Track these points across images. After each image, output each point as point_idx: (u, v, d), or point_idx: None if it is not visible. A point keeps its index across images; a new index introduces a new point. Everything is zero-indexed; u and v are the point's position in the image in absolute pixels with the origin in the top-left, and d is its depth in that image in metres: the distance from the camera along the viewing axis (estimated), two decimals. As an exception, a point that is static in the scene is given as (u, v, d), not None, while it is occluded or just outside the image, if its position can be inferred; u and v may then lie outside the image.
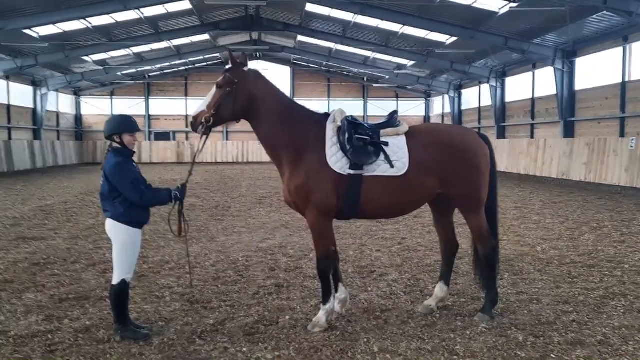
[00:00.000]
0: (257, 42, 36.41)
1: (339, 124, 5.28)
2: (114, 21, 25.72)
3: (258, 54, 41.66)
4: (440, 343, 4.92)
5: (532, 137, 26.13)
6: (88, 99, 43.15)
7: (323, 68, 40.74)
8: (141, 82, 43.13)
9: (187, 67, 42.73)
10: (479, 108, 33.09)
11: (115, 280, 5.01)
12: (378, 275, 7.41)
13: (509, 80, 29.07)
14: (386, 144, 5.26)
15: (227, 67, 5.34)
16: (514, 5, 18.54)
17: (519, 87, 27.81)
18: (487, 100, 31.14)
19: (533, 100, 26.26)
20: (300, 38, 32.40)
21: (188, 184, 5.33)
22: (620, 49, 19.80)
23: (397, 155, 5.23)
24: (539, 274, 7.36)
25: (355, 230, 10.99)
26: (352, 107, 43.25)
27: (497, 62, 27.12)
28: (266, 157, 31.59)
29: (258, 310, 5.87)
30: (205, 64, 42.66)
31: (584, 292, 6.48)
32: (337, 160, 5.16)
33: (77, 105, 42.91)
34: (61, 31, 25.74)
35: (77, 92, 42.27)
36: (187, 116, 44.25)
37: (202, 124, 5.19)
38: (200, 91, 43.91)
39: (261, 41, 36.47)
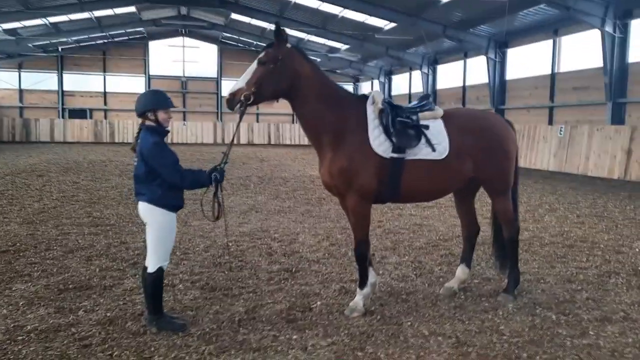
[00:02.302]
0: (185, 18, 35.09)
1: (381, 106, 5.18)
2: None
3: (184, 30, 40.20)
4: (483, 324, 5.02)
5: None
6: (-8, 70, 39.70)
7: (253, 48, 39.98)
8: (54, 55, 40.18)
9: (105, 41, 40.37)
10: (409, 94, 33.95)
11: (151, 268, 4.66)
12: (380, 258, 7.43)
13: (440, 68, 30.02)
14: (427, 127, 5.24)
15: (269, 42, 5.06)
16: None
17: (451, 75, 28.80)
18: (417, 87, 32.00)
19: (464, 88, 27.31)
20: (234, 16, 31.54)
21: (226, 164, 4.98)
22: (551, 41, 20.99)
23: (438, 138, 5.23)
24: (528, 255, 7.67)
25: (328, 214, 10.96)
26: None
27: (429, 49, 27.88)
28: (192, 139, 31.02)
29: (284, 297, 5.70)
30: (126, 38, 40.53)
31: (580, 271, 6.85)
32: (380, 143, 5.07)
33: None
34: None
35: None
36: (105, 93, 42.01)
37: (241, 102, 4.89)
38: (121, 67, 41.82)
39: (189, 17, 35.18)
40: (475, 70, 26.16)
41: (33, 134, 38.72)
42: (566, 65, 20.58)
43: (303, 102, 5.06)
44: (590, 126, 18.06)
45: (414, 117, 5.27)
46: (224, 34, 38.32)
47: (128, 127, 40.19)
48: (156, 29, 37.41)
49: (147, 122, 4.71)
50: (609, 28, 16.88)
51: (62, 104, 41.45)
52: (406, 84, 34.36)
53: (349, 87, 43.87)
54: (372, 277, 5.51)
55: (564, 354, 4.40)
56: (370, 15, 23.95)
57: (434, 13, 22.27)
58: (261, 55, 4.97)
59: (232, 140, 5.14)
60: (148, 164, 4.54)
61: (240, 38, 38.23)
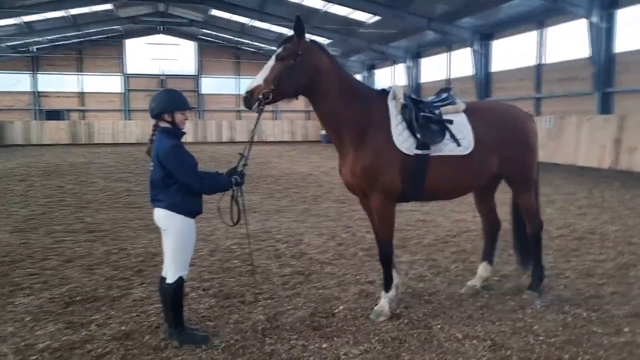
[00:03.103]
0: (163, 14, 34.44)
1: (403, 101, 4.97)
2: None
3: (161, 28, 39.49)
4: (515, 324, 4.86)
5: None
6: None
7: (232, 44, 39.48)
8: (28, 55, 39.11)
9: (81, 40, 39.42)
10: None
11: (171, 278, 4.39)
12: (391, 257, 7.23)
13: (423, 61, 29.95)
14: (451, 121, 5.04)
15: (287, 37, 4.80)
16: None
17: (435, 68, 28.76)
18: (400, 81, 31.90)
19: (449, 80, 27.28)
20: (213, 12, 31.02)
21: (246, 166, 4.71)
22: (536, 32, 21.02)
23: (462, 133, 5.04)
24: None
25: (327, 212, 10.75)
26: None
27: (413, 43, 27.79)
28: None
29: (304, 302, 5.47)
30: (102, 36, 39.62)
31: (597, 264, 6.74)
32: (404, 140, 4.86)
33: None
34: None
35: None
36: (82, 93, 41.09)
37: (260, 100, 4.63)
38: (97, 67, 40.93)
39: (167, 13, 34.55)
40: (460, 63, 26.15)
41: (8, 137, 37.66)
42: (552, 56, 20.64)
43: (323, 98, 4.82)
44: (578, 116, 18.13)
45: (437, 112, 5.08)
46: (203, 30, 37.72)
47: (106, 127, 39.40)
48: (133, 26, 36.68)
49: (162, 124, 4.42)
50: (595, 18, 16.93)
51: (38, 106, 40.41)
52: (389, 78, 34.25)
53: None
54: (395, 278, 5.31)
55: (605, 353, 4.26)
56: (355, 9, 23.75)
57: (419, 6, 22.14)
58: (279, 50, 4.72)
59: (251, 140, 4.87)
60: (166, 168, 4.26)
61: (220, 34, 37.67)
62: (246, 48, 40.50)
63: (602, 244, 7.82)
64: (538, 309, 5.23)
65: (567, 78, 19.22)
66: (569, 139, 18.33)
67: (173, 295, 4.38)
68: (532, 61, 21.26)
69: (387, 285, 5.10)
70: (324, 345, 4.44)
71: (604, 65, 17.33)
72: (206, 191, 4.41)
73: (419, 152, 4.89)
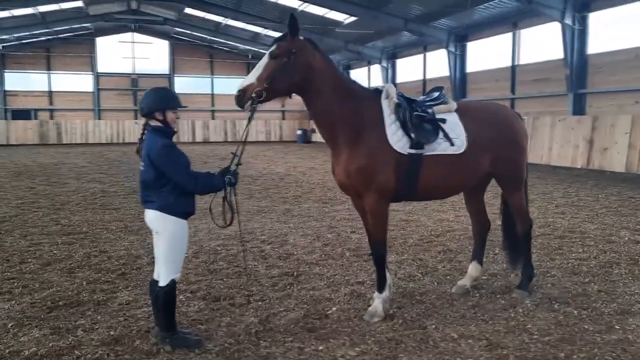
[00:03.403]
0: (135, 12, 33.87)
1: (396, 100, 4.94)
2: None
3: (133, 26, 38.84)
4: (508, 323, 4.87)
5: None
6: None
7: (206, 43, 39.08)
8: (-6, 53, 38.03)
9: (49, 38, 38.47)
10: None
11: (163, 281, 4.27)
12: (378, 257, 7.21)
13: (399, 62, 30.11)
14: (444, 120, 5.03)
15: (281, 35, 4.72)
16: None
17: (411, 69, 28.93)
18: (377, 82, 32.01)
19: (424, 81, 27.49)
20: (187, 10, 30.63)
21: (239, 167, 4.61)
22: (510, 34, 21.32)
23: (455, 132, 5.04)
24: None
25: (309, 212, 10.69)
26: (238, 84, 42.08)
27: (389, 43, 27.92)
28: None
29: (296, 304, 5.39)
30: (72, 34, 38.71)
31: (581, 263, 6.83)
32: (398, 139, 4.83)
33: None
34: None
35: None
36: (50, 92, 40.10)
37: (252, 99, 4.54)
38: (67, 65, 40.00)
39: (140, 11, 33.99)
40: (436, 64, 26.37)
41: (-26, 137, 36.57)
42: (526, 57, 20.96)
43: (317, 97, 4.76)
44: (552, 117, 18.43)
45: (429, 111, 5.06)
46: (176, 29, 37.23)
47: (76, 127, 38.60)
48: (104, 24, 35.94)
49: (153, 123, 4.30)
50: (568, 20, 17.25)
51: (4, 105, 39.28)
52: (365, 78, 34.32)
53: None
54: (388, 278, 5.28)
55: (600, 351, 4.29)
56: (332, 9, 23.73)
57: (395, 7, 22.24)
58: (273, 48, 4.63)
59: (245, 140, 4.77)
60: (158, 168, 4.14)
61: (193, 33, 37.21)
62: (220, 47, 40.11)
63: (584, 242, 7.93)
64: (529, 308, 5.26)
65: (542, 79, 19.54)
66: (543, 139, 18.63)
67: (165, 299, 4.26)
68: (507, 62, 21.55)
69: (381, 286, 5.06)
70: (320, 348, 4.38)
71: (577, 67, 17.67)
72: (200, 191, 4.30)
73: (413, 151, 4.86)
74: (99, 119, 40.13)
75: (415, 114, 4.93)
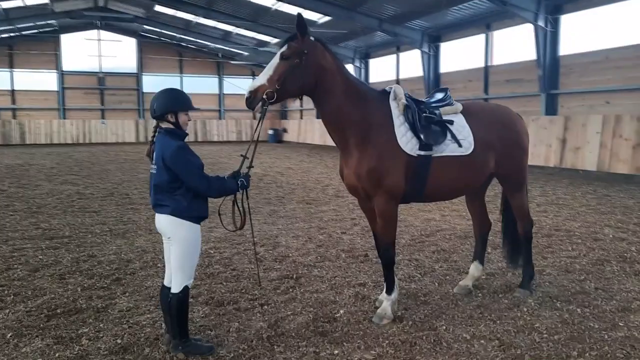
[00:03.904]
0: (102, 9, 33.09)
1: (405, 101, 4.93)
2: None
3: (99, 23, 37.91)
4: (516, 323, 4.91)
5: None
6: None
7: (175, 42, 38.46)
8: (-47, 50, 36.60)
9: (12, 35, 37.23)
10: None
11: (176, 288, 4.15)
12: (374, 257, 7.20)
13: (372, 62, 30.24)
14: (451, 122, 5.05)
15: (290, 35, 4.66)
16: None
17: (384, 69, 29.08)
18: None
19: (398, 81, 27.63)
20: (157, 8, 30.07)
21: (251, 169, 4.54)
22: (483, 35, 21.65)
23: (462, 134, 5.06)
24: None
25: (295, 213, 10.63)
26: (208, 84, 41.65)
27: (361, 43, 28.01)
28: (112, 138, 29.44)
29: (302, 307, 5.34)
30: (36, 31, 37.56)
31: (573, 261, 6.96)
32: (407, 141, 4.82)
33: None
34: None
35: None
36: (13, 91, 38.81)
37: (263, 101, 4.47)
38: (30, 63, 38.76)
39: (107, 8, 33.23)
40: (409, 64, 26.56)
41: None
42: (499, 58, 21.31)
43: (327, 98, 4.72)
44: (525, 117, 18.72)
45: (437, 112, 5.08)
46: (144, 27, 36.51)
47: (40, 127, 37.55)
48: (69, 21, 35.00)
49: (165, 125, 4.18)
50: (541, 22, 17.61)
51: (-36, 104, 37.87)
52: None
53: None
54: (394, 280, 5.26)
55: (610, 349, 4.36)
56: (306, 8, 23.63)
57: (370, 7, 22.32)
58: (283, 49, 4.57)
59: (256, 142, 4.68)
60: (171, 171, 4.02)
61: (162, 31, 36.57)
62: (190, 46, 39.54)
63: (571, 240, 8.10)
64: (532, 306, 5.33)
65: (514, 80, 19.89)
66: (517, 139, 18.96)
67: (179, 306, 4.15)
68: (480, 63, 21.87)
69: (390, 288, 5.05)
70: (336, 352, 4.34)
71: (549, 68, 18.06)
72: (214, 194, 4.21)
73: (422, 153, 4.86)
74: (64, 118, 39.05)
75: (424, 116, 4.93)
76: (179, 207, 4.07)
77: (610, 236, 8.29)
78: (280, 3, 24.13)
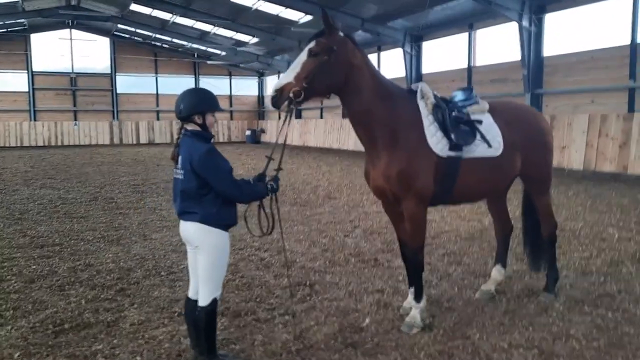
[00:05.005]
0: (75, 8, 32.17)
1: (434, 100, 4.72)
2: None
3: (70, 22, 36.91)
4: (550, 329, 4.75)
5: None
6: None
7: (150, 41, 37.66)
8: None
9: (-21, 34, 36.01)
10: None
11: (204, 301, 3.87)
12: (385, 261, 7.01)
13: (352, 61, 30.07)
14: (480, 122, 4.87)
15: (319, 31, 4.41)
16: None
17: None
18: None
19: (379, 81, 27.53)
20: (134, 7, 29.35)
21: (280, 171, 4.28)
22: (466, 35, 21.68)
23: (491, 134, 4.89)
24: (521, 248, 7.61)
25: (291, 216, 10.37)
26: (184, 84, 40.88)
27: (342, 43, 27.81)
28: (85, 140, 28.61)
29: (325, 316, 5.09)
30: (4, 30, 36.33)
31: (587, 262, 6.85)
32: (437, 141, 4.62)
33: None
34: None
35: None
36: (-19, 91, 37.49)
37: (290, 99, 4.21)
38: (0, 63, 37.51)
39: (80, 7, 32.32)
40: (390, 64, 26.48)
41: None
42: (483, 58, 21.35)
43: (356, 97, 4.48)
44: (510, 116, 18.84)
45: (464, 112, 4.89)
46: (119, 26, 35.65)
47: (9, 129, 36.38)
48: (40, 20, 33.94)
49: (190, 126, 3.89)
50: (525, 22, 17.68)
51: None
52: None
53: (254, 82, 42.93)
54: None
55: (653, 355, 4.24)
56: (287, 7, 23.34)
57: (353, 6, 22.15)
58: (312, 45, 4.32)
59: (284, 144, 4.40)
60: (200, 175, 3.73)
61: (137, 31, 35.76)
62: (165, 45, 38.79)
63: (578, 241, 8.01)
64: (560, 311, 5.18)
65: (499, 79, 19.95)
66: (502, 138, 19.02)
67: (207, 319, 3.87)
68: (463, 63, 21.90)
69: (419, 295, 4.84)
70: (373, 365, 4.11)
71: (534, 68, 18.14)
72: (244, 199, 3.94)
73: (452, 153, 4.67)
74: (35, 120, 37.90)
75: (453, 115, 4.74)
76: (208, 214, 3.78)
77: (616, 236, 8.24)
78: (260, 2, 23.78)
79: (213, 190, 3.78)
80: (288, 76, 4.27)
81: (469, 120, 4.83)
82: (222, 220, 3.86)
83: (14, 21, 34.21)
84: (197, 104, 3.84)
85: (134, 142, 38.48)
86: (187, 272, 6.48)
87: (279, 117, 40.91)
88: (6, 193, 13.77)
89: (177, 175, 3.88)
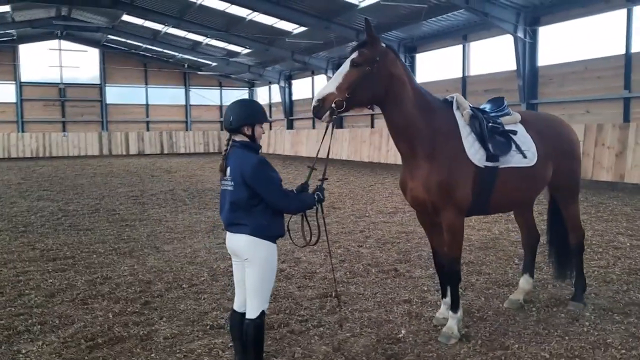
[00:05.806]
0: (66, 19, 31.95)
1: (470, 111, 4.76)
2: None
3: (59, 33, 36.63)
4: (587, 338, 4.77)
5: (372, 126, 27.56)
6: None
7: (140, 52, 37.50)
8: None
9: (-33, 45, 35.58)
10: (313, 99, 33.70)
11: (253, 313, 3.82)
12: (405, 272, 7.01)
13: (345, 72, 30.19)
14: (515, 132, 4.91)
15: (361, 41, 4.42)
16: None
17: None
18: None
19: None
20: (124, 17, 29.24)
21: (325, 181, 4.27)
22: (460, 46, 21.91)
23: (526, 144, 4.93)
24: (538, 258, 7.65)
25: (293, 226, 10.31)
26: (174, 95, 40.77)
27: (334, 54, 27.95)
28: (74, 151, 28.32)
29: (359, 328, 5.07)
30: (-7, 41, 35.98)
31: (605, 271, 6.89)
32: (475, 152, 4.65)
33: None
34: None
35: None
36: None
37: (332, 110, 4.22)
38: (-11, 74, 37.05)
39: (70, 17, 32.12)
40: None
41: None
42: (477, 69, 21.58)
43: (397, 108, 4.50)
44: (506, 126, 19.03)
45: (499, 122, 4.93)
46: (108, 36, 35.49)
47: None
48: (30, 31, 33.65)
49: (239, 138, 3.87)
50: (520, 34, 17.93)
51: None
52: (308, 88, 34.16)
53: (245, 93, 42.87)
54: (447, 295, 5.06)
55: (694, 362, 4.28)
56: (282, 18, 23.41)
57: (348, 18, 22.29)
58: (354, 56, 4.33)
59: (327, 154, 4.40)
60: (250, 187, 3.70)
61: (127, 41, 35.59)
62: (154, 56, 38.65)
63: (592, 249, 8.07)
64: (592, 320, 5.21)
65: (494, 90, 20.14)
66: (498, 148, 19.18)
67: (256, 333, 3.82)
68: (457, 74, 22.10)
69: (456, 305, 4.84)
70: (419, 377, 4.09)
71: (529, 79, 18.38)
72: (293, 211, 3.93)
73: (489, 164, 4.70)
74: (23, 131, 37.45)
75: (490, 125, 4.78)
76: (259, 226, 3.75)
77: (628, 244, 8.33)
78: (255, 13, 23.81)
79: (263, 201, 3.75)
80: (330, 86, 4.28)
81: (504, 130, 4.86)
82: (272, 232, 3.83)
83: (2, 32, 33.87)
84: (248, 116, 3.83)
85: (124, 153, 38.12)
86: (203, 283, 6.49)
87: (270, 128, 40.87)
88: (4, 205, 13.56)
89: (226, 186, 3.86)
